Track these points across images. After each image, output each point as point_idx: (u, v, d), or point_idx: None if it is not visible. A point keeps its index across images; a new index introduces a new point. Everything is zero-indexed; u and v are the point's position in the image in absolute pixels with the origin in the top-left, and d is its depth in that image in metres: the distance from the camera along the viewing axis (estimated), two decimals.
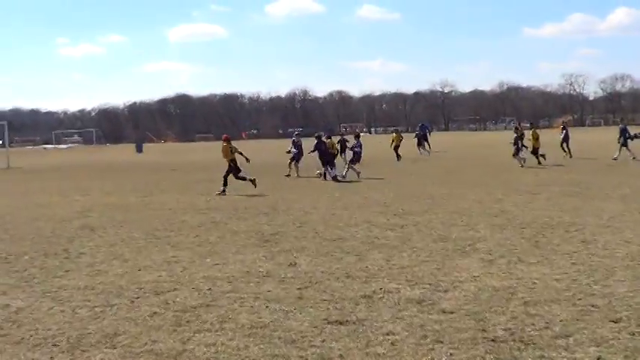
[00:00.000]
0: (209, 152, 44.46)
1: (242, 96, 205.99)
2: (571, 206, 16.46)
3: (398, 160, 39.30)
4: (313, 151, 28.39)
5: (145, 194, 23.89)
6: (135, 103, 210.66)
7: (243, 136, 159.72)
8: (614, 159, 33.14)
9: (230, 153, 22.92)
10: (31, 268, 11.09)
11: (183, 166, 44.04)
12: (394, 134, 43.29)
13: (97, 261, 11.47)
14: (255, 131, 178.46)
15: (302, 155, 30.94)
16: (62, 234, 14.80)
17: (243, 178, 22.97)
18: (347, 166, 28.69)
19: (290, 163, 30.61)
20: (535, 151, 32.57)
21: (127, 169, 43.77)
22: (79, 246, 13.10)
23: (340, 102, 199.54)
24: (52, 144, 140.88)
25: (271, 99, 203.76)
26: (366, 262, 10.56)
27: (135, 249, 12.54)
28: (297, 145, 31.04)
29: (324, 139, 28.86)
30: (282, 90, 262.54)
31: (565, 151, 36.89)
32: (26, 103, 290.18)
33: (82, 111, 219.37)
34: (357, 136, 30.68)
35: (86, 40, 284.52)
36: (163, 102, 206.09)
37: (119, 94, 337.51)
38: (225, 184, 22.49)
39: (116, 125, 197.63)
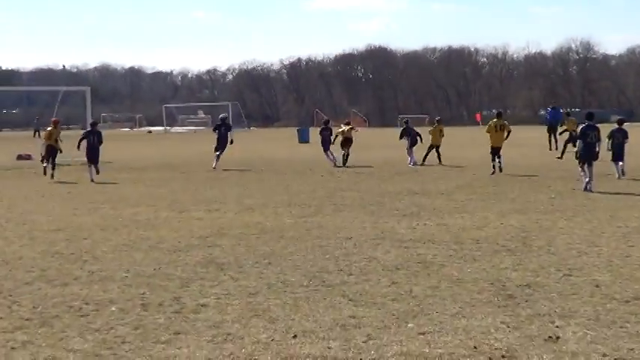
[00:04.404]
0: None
1: None
2: None
3: None
4: None
5: (308, 212, 24.42)
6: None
7: None
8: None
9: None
10: (119, 325, 11.60)
11: (378, 165, 44.37)
12: None
13: (225, 319, 11.85)
14: None
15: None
16: (172, 272, 15.38)
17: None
18: None
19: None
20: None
21: (282, 169, 44.34)
22: (199, 294, 13.59)
23: None
24: (161, 125, 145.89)
25: None
26: None
27: (289, 302, 12.88)
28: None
29: None
30: None
31: None
32: (118, 58, 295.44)
33: (211, 71, 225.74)
34: None
35: None
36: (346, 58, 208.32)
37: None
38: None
39: (268, 93, 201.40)
